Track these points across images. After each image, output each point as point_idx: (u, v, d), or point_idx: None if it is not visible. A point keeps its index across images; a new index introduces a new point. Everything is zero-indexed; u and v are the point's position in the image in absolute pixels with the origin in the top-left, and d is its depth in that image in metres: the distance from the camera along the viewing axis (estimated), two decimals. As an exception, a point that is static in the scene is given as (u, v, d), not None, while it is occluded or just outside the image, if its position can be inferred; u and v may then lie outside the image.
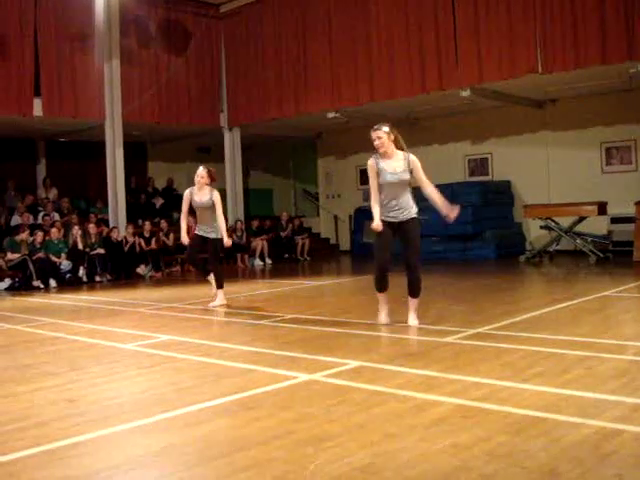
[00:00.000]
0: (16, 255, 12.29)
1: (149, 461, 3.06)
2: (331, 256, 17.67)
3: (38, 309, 9.23)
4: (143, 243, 14.03)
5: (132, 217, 15.14)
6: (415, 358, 4.94)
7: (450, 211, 6.20)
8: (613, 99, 13.72)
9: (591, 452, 2.89)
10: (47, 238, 12.84)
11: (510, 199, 15.37)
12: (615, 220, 13.39)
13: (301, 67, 15.11)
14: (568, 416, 3.38)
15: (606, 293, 7.98)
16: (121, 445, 3.34)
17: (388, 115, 15.04)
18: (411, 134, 15.42)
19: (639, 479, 2.65)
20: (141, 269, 13.70)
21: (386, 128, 6.14)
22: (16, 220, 14.07)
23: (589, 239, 13.02)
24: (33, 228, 13.24)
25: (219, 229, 8.33)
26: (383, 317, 6.44)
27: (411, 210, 6.17)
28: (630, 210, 12.62)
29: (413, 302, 6.27)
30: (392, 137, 6.13)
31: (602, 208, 12.60)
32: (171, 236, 14.69)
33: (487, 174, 15.97)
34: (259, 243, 15.87)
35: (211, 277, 8.63)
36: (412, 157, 6.16)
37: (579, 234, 13.04)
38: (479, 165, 16.12)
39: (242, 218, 16.67)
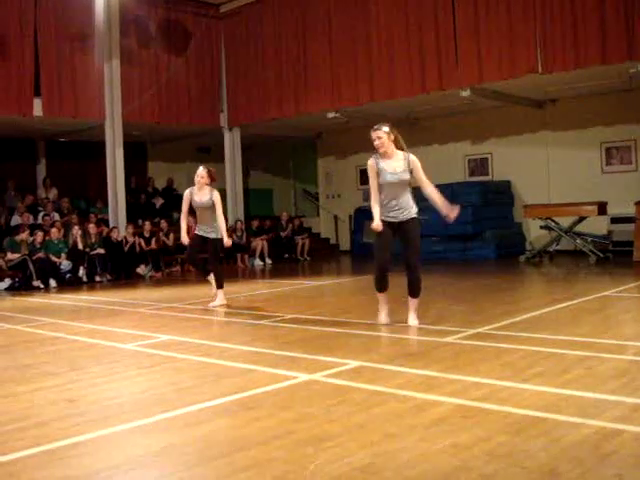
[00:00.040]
0: (16, 255, 12.29)
1: (149, 461, 3.06)
2: (331, 256, 17.67)
3: (38, 309, 9.23)
4: (143, 243, 14.03)
5: (132, 217, 15.14)
6: (415, 358, 4.94)
7: (450, 211, 6.21)
8: (613, 99, 13.72)
9: (591, 452, 2.89)
10: (47, 238, 12.84)
11: (510, 199, 15.37)
12: (615, 220, 13.39)
13: (301, 67, 15.11)
14: (568, 416, 3.38)
15: (606, 293, 7.98)
16: (121, 445, 3.34)
17: (388, 115, 15.04)
18: (411, 134, 15.42)
19: (639, 479, 2.65)
20: (141, 269, 13.70)
21: (386, 128, 6.14)
22: (16, 220, 14.07)
23: (589, 239, 13.02)
24: (33, 228, 13.24)
25: (219, 229, 8.34)
26: (383, 317, 6.44)
27: (411, 210, 6.17)
28: (630, 210, 12.62)
29: (413, 302, 6.27)
30: (392, 137, 6.14)
31: (602, 208, 12.61)
32: (171, 236, 14.70)
33: (487, 174, 15.98)
34: (259, 243, 15.87)
35: (211, 277, 8.63)
36: (412, 157, 6.17)
37: (579, 234, 13.04)
38: (479, 165, 16.12)
39: (242, 218, 16.67)
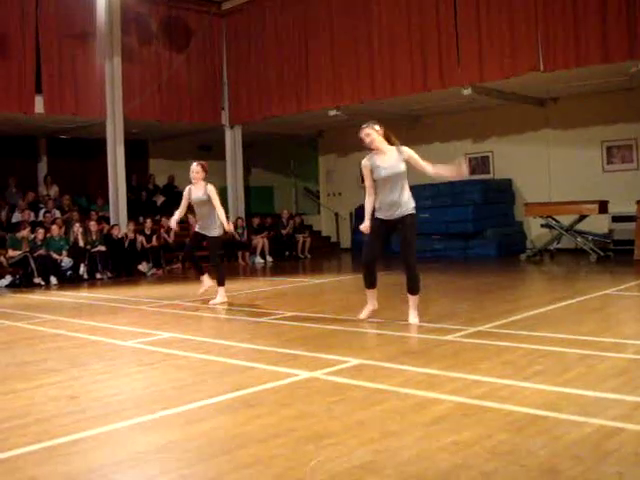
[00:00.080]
0: (17, 252, 12.30)
1: (150, 458, 3.06)
2: (332, 254, 17.68)
3: (39, 306, 9.24)
4: (144, 240, 14.03)
5: (133, 214, 15.15)
6: (416, 356, 4.94)
7: (459, 170, 6.09)
8: (614, 98, 13.71)
9: (591, 450, 2.89)
10: (48, 235, 12.84)
11: (511, 197, 15.37)
12: (616, 219, 13.39)
13: (302, 65, 15.11)
14: (569, 414, 3.38)
15: (607, 291, 7.98)
16: (122, 442, 3.35)
17: (389, 113, 15.05)
18: (412, 132, 15.47)
19: (639, 477, 2.66)
20: (143, 266, 13.70)
21: (374, 125, 6.21)
22: (17, 217, 14.10)
23: (590, 237, 13.02)
24: (34, 225, 13.26)
25: (218, 225, 8.38)
26: (363, 312, 6.56)
27: (408, 207, 6.16)
28: (631, 209, 12.61)
29: (413, 300, 6.27)
30: (381, 133, 6.20)
31: (603, 207, 12.60)
32: (172, 233, 14.69)
33: (488, 172, 15.97)
34: (260, 241, 15.87)
35: (205, 277, 8.69)
36: (404, 147, 6.22)
37: (580, 232, 13.04)
38: (480, 163, 16.11)
39: (243, 216, 16.67)
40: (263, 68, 15.89)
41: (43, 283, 12.16)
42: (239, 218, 16.24)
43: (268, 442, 3.17)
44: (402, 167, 6.12)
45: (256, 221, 16.44)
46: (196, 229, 8.65)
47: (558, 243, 13.52)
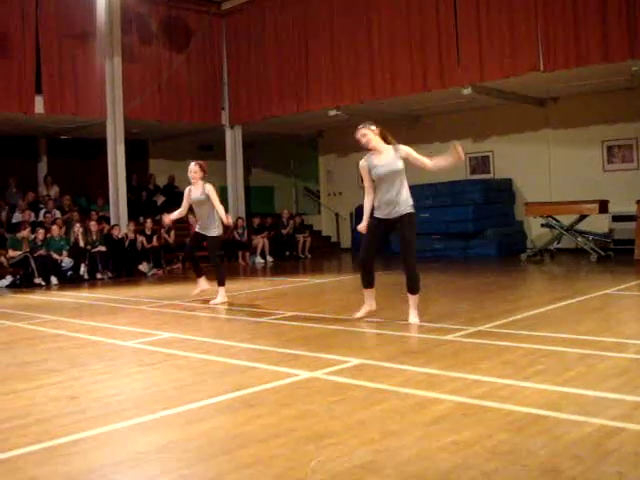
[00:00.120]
0: (17, 252, 12.31)
1: (150, 458, 3.06)
2: (332, 254, 17.68)
3: (39, 306, 9.24)
4: (145, 241, 14.03)
5: (133, 214, 15.15)
6: (416, 356, 4.94)
7: (455, 155, 6.06)
8: (615, 97, 13.71)
9: (592, 450, 2.89)
10: (48, 235, 12.85)
11: (511, 197, 15.37)
12: (616, 218, 13.39)
13: (302, 65, 15.12)
14: (569, 414, 3.38)
15: (607, 291, 7.98)
16: (122, 442, 3.35)
17: (389, 113, 15.06)
18: (412, 132, 15.47)
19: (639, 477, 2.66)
20: (143, 266, 13.69)
21: (370, 125, 6.25)
22: (17, 217, 14.10)
23: (590, 237, 13.01)
24: (34, 225, 13.26)
25: (217, 225, 8.40)
26: (360, 312, 6.58)
27: (406, 206, 6.17)
28: (631, 208, 12.61)
29: (413, 299, 6.27)
30: (377, 132, 6.23)
31: (603, 206, 12.59)
32: (172, 233, 14.71)
33: (488, 172, 15.97)
34: (260, 241, 15.88)
35: (202, 280, 8.72)
36: (401, 145, 6.25)
37: (580, 232, 13.04)
38: (480, 163, 16.11)
39: (243, 216, 16.67)
40: (263, 68, 15.89)
41: (43, 283, 12.17)
42: (239, 218, 16.23)
43: (268, 442, 3.17)
44: (399, 165, 6.13)
45: (256, 221, 16.44)
46: (196, 229, 8.69)
47: (558, 243, 13.52)
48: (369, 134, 6.20)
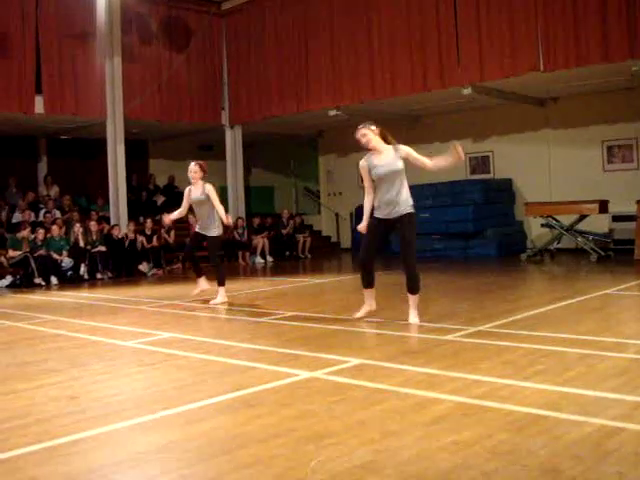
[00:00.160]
0: (17, 252, 12.31)
1: (150, 458, 3.06)
2: (332, 254, 17.68)
3: (39, 306, 9.24)
4: (145, 241, 14.03)
5: (133, 214, 15.15)
6: (416, 356, 4.94)
7: (455, 155, 6.05)
8: (615, 97, 13.71)
9: (592, 450, 2.89)
10: (48, 235, 12.85)
11: (511, 197, 15.37)
12: (616, 218, 13.39)
13: (302, 65, 15.12)
14: (569, 414, 3.38)
15: (607, 291, 7.98)
16: (122, 442, 3.35)
17: (389, 113, 15.05)
18: (412, 132, 15.47)
19: (639, 477, 2.66)
20: (143, 266, 13.69)
21: (370, 125, 6.27)
22: (17, 217, 14.09)
23: (590, 237, 13.01)
24: (34, 225, 13.26)
25: (217, 225, 8.41)
26: (359, 312, 6.60)
27: (406, 206, 6.17)
28: (631, 208, 12.60)
29: (413, 299, 6.27)
30: (377, 132, 6.25)
31: (603, 206, 12.59)
32: (172, 233, 14.71)
33: (488, 172, 15.97)
34: (260, 241, 15.88)
35: (202, 280, 8.73)
36: (401, 145, 6.26)
37: (580, 232, 13.04)
38: (480, 163, 16.11)
39: (243, 216, 16.67)
40: (263, 68, 15.89)
41: (43, 283, 12.17)
42: (239, 218, 16.24)
43: (268, 442, 3.17)
44: (399, 165, 6.14)
45: (256, 221, 16.44)
46: (196, 229, 8.71)
47: (558, 243, 13.52)
48: (369, 134, 6.21)
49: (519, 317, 6.37)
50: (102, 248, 13.17)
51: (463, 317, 6.54)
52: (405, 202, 6.16)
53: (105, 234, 13.80)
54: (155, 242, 14.19)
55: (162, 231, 14.65)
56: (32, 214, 14.29)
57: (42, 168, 17.10)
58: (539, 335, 5.42)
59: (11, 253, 12.34)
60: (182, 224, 14.07)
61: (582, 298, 7.46)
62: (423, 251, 13.71)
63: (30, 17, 13.52)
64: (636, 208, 12.30)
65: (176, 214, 8.88)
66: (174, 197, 16.43)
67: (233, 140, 17.13)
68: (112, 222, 14.64)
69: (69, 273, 12.79)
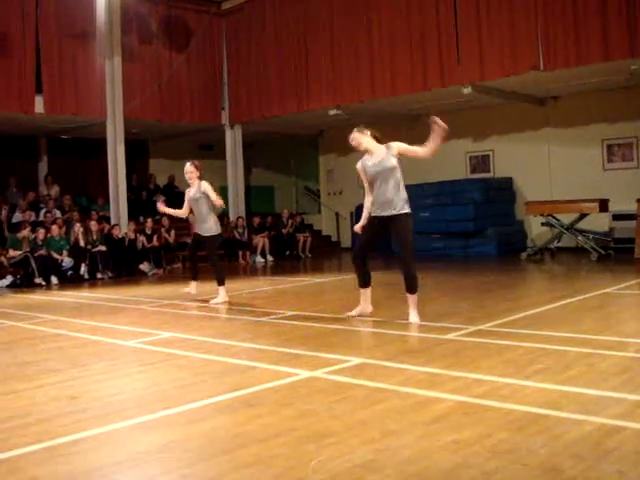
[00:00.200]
0: (18, 252, 12.31)
1: (151, 458, 3.06)
2: (332, 253, 17.68)
3: (40, 306, 9.24)
4: (145, 240, 14.04)
5: (133, 214, 15.15)
6: (417, 355, 4.94)
7: (439, 130, 6.07)
8: (615, 96, 13.70)
9: (592, 449, 2.89)
10: (49, 235, 12.85)
11: (511, 196, 15.37)
12: (617, 217, 13.39)
13: (302, 64, 15.12)
14: (569, 413, 3.37)
15: (607, 290, 7.98)
16: (123, 442, 3.35)
17: (389, 112, 15.05)
18: (412, 132, 15.43)
19: (640, 476, 2.66)
20: (144, 266, 13.69)
21: (360, 129, 6.35)
22: (18, 217, 14.09)
23: (590, 236, 13.00)
24: (35, 225, 13.26)
25: (214, 224, 8.47)
26: (353, 311, 6.64)
27: (402, 206, 6.18)
28: (632, 207, 12.60)
29: (412, 298, 6.28)
30: (367, 133, 6.32)
31: (603, 205, 12.59)
32: (172, 233, 14.72)
33: (489, 171, 15.97)
34: (260, 240, 15.88)
35: (193, 283, 8.85)
36: (392, 142, 6.31)
37: (580, 231, 13.03)
38: (480, 162, 16.10)
39: (243, 215, 16.68)
40: (263, 68, 15.89)
41: (44, 283, 12.17)
42: (240, 217, 16.25)
43: (269, 442, 3.17)
44: (392, 162, 6.17)
45: (257, 220, 16.43)
46: (195, 230, 8.80)
47: (559, 242, 13.52)
48: (357, 137, 6.32)
49: (519, 316, 6.37)
50: (102, 248, 13.17)
51: (463, 316, 6.54)
52: (401, 202, 6.17)
53: (105, 234, 13.80)
54: (155, 242, 14.19)
55: (162, 231, 14.66)
56: (32, 214, 14.29)
57: (42, 168, 17.11)
58: (539, 334, 5.42)
59: (11, 253, 12.34)
60: (182, 224, 14.07)
61: (582, 297, 7.45)
62: (423, 250, 13.73)
63: (30, 17, 13.52)
64: (636, 207, 12.30)
65: (173, 211, 8.91)
66: (174, 197, 16.41)
67: (233, 140, 17.13)
68: (112, 222, 14.64)
69: (69, 273, 12.79)
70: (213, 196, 8.31)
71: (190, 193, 8.50)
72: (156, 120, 15.66)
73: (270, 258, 15.82)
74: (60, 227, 13.25)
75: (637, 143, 13.84)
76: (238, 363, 4.94)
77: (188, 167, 8.51)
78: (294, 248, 16.43)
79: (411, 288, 6.25)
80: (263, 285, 11.05)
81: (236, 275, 12.45)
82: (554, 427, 3.19)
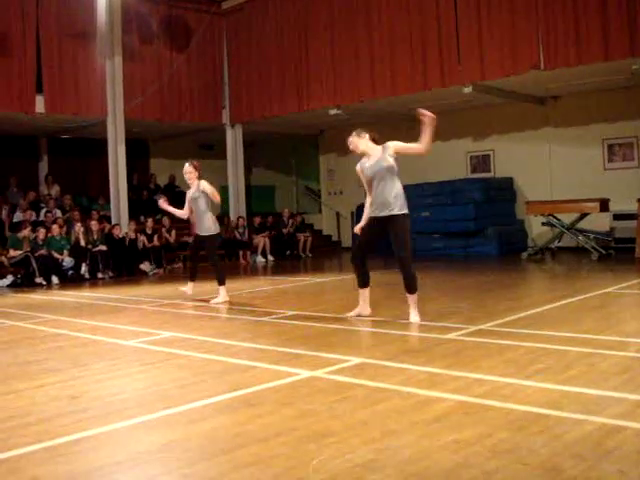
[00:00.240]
0: (18, 252, 12.31)
1: (151, 457, 3.06)
2: (333, 253, 17.68)
3: (40, 306, 9.24)
4: (146, 240, 14.04)
5: (134, 214, 15.16)
6: (417, 355, 4.94)
7: (426, 120, 5.92)
8: (615, 96, 13.70)
9: (593, 449, 2.89)
10: (49, 235, 12.85)
11: (512, 196, 15.37)
12: (617, 217, 13.39)
13: (303, 64, 15.12)
14: (570, 413, 3.37)
15: (608, 290, 7.97)
16: (123, 441, 3.35)
17: (389, 112, 15.04)
18: (412, 131, 15.42)
19: (641, 475, 2.65)
20: (145, 266, 13.69)
21: (357, 133, 6.39)
22: (18, 217, 14.10)
23: (591, 236, 13.00)
24: (35, 225, 13.26)
25: (212, 223, 8.50)
26: (352, 312, 6.65)
27: (400, 206, 6.19)
28: (632, 207, 12.60)
29: (411, 298, 6.29)
30: (363, 136, 6.36)
31: (604, 205, 12.58)
32: (173, 233, 14.72)
33: (489, 171, 15.97)
34: (261, 240, 15.88)
35: (191, 284, 8.87)
36: (389, 142, 6.33)
37: (581, 231, 13.03)
38: (481, 162, 16.10)
39: (244, 215, 16.68)
40: (264, 67, 15.89)
41: (44, 283, 12.17)
42: (240, 217, 16.25)
43: (269, 441, 3.17)
44: (388, 161, 6.19)
45: (257, 220, 16.44)
46: (196, 230, 8.80)
47: (559, 241, 13.51)
48: (355, 141, 6.36)
49: (520, 316, 6.37)
50: (103, 247, 13.17)
51: (464, 316, 6.53)
52: (398, 202, 6.18)
53: (106, 233, 13.80)
54: (156, 241, 14.19)
55: (163, 230, 14.66)
56: (33, 213, 14.30)
57: (43, 167, 17.12)
58: (540, 334, 5.42)
59: (12, 252, 12.34)
60: (182, 224, 14.07)
61: (583, 297, 7.45)
62: (424, 250, 13.74)
63: (31, 17, 13.52)
64: (637, 206, 12.30)
65: (174, 210, 8.93)
66: (175, 196, 16.40)
67: (234, 139, 17.13)
68: (113, 221, 14.64)
69: (70, 272, 12.79)
70: (210, 190, 8.34)
71: (190, 193, 8.58)
72: (156, 120, 15.66)
73: (271, 258, 15.83)
74: (61, 227, 13.25)
75: (637, 143, 13.84)
76: (238, 363, 4.94)
77: (187, 167, 8.55)
78: (295, 248, 16.44)
79: (411, 288, 6.26)
80: (263, 285, 11.05)
81: (237, 275, 12.45)
82: (555, 427, 3.19)
